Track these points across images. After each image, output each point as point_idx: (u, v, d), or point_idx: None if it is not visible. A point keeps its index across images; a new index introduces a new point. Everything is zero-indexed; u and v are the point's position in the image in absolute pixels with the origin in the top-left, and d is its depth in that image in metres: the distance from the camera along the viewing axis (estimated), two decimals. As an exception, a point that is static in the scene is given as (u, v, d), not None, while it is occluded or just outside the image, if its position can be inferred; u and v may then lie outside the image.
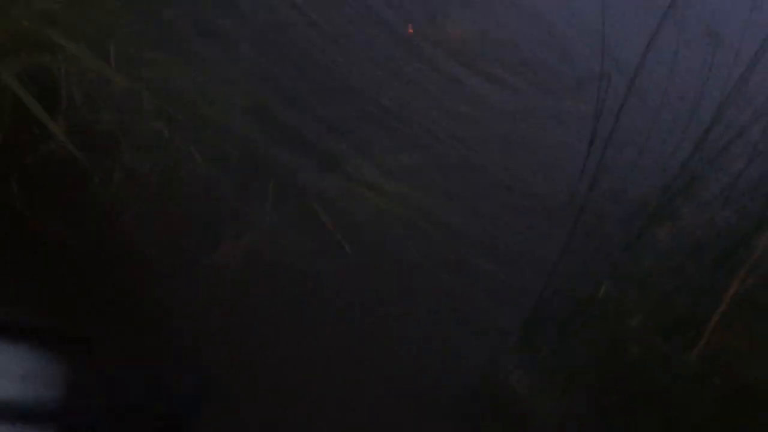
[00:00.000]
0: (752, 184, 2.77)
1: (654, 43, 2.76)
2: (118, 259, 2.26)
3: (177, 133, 2.12)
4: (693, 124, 2.91)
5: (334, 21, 3.77)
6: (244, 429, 1.95)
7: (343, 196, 2.69)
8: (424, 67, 3.82)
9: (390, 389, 2.34)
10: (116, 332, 2.08)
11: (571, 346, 2.59)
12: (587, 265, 2.77)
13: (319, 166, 2.77)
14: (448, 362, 2.53)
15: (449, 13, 4.42)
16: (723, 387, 2.16)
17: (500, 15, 4.65)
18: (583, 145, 3.09)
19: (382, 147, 3.06)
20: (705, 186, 2.76)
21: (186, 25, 2.82)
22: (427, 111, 3.73)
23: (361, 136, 2.54)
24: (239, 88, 2.65)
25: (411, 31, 3.96)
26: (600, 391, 2.57)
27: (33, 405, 0.82)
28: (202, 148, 2.21)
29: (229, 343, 2.20)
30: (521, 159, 3.60)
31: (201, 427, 1.49)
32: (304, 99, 3.11)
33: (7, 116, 2.27)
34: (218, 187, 2.50)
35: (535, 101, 3.98)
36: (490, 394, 2.43)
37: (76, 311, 2.06)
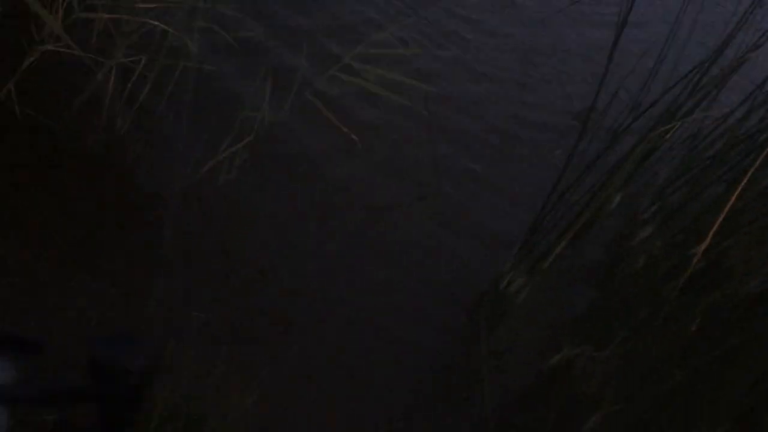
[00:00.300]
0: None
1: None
2: (118, 160, 2.27)
3: (172, 27, 2.08)
4: (715, 30, 2.76)
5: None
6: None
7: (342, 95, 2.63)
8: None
9: (394, 296, 2.35)
10: (113, 232, 2.11)
11: (577, 256, 2.56)
12: (599, 177, 2.69)
13: (320, 63, 2.71)
14: (451, 270, 2.53)
15: None
16: (722, 299, 2.12)
17: None
18: (601, 55, 2.95)
19: (390, 56, 2.97)
20: (726, 94, 2.63)
21: None
22: (445, 18, 3.61)
23: (367, 40, 2.46)
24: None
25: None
26: (602, 300, 2.55)
27: None
28: (198, 42, 2.16)
29: (229, 248, 2.21)
30: (537, 68, 3.48)
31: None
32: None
33: (4, 18, 2.25)
34: (217, 83, 2.48)
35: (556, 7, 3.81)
36: (492, 300, 2.43)
37: (75, 214, 2.09)
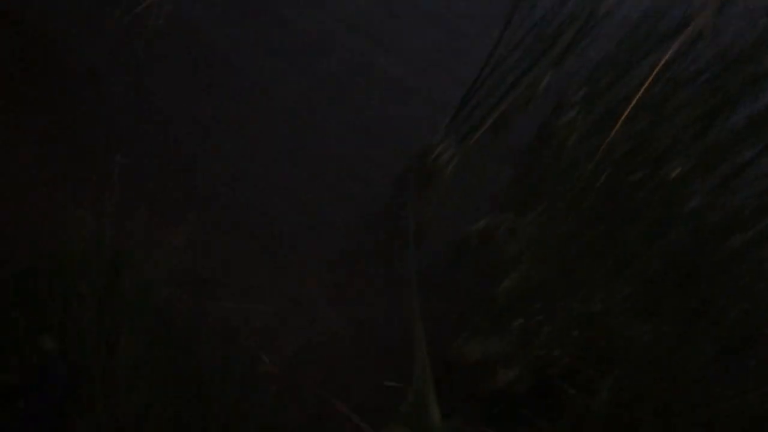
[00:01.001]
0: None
1: None
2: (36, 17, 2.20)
3: None
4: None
5: None
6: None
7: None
8: None
9: (324, 161, 2.39)
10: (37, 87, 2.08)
11: (505, 132, 2.64)
12: (528, 60, 2.74)
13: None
14: (382, 140, 2.59)
15: None
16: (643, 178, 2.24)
17: None
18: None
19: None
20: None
21: None
22: None
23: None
24: None
25: None
26: (527, 173, 2.66)
27: None
28: None
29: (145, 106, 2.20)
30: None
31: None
32: None
33: None
34: None
35: None
36: (421, 171, 2.51)
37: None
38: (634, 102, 2.47)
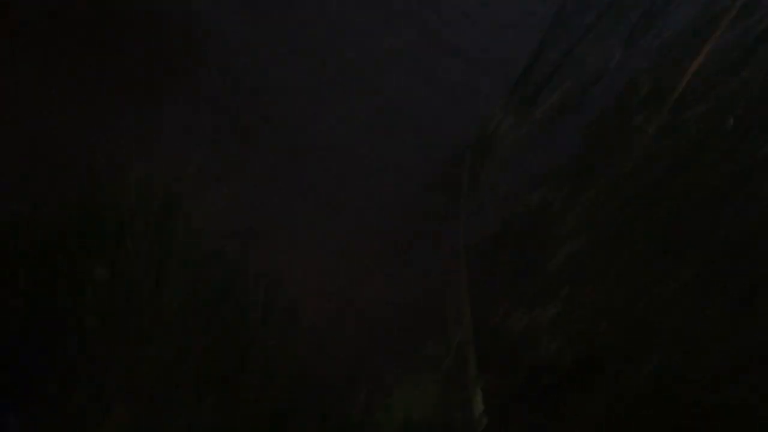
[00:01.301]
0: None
1: None
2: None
3: None
4: None
5: None
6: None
7: None
8: None
9: (386, 127, 2.40)
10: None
11: (565, 105, 2.59)
12: (603, 39, 2.67)
13: None
14: (443, 111, 2.57)
15: None
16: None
17: None
18: None
19: None
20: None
21: None
22: None
23: None
24: None
25: None
26: (584, 148, 2.60)
27: None
28: None
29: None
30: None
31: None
32: None
33: None
34: None
35: None
36: (480, 141, 2.48)
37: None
38: (702, 81, 2.39)
